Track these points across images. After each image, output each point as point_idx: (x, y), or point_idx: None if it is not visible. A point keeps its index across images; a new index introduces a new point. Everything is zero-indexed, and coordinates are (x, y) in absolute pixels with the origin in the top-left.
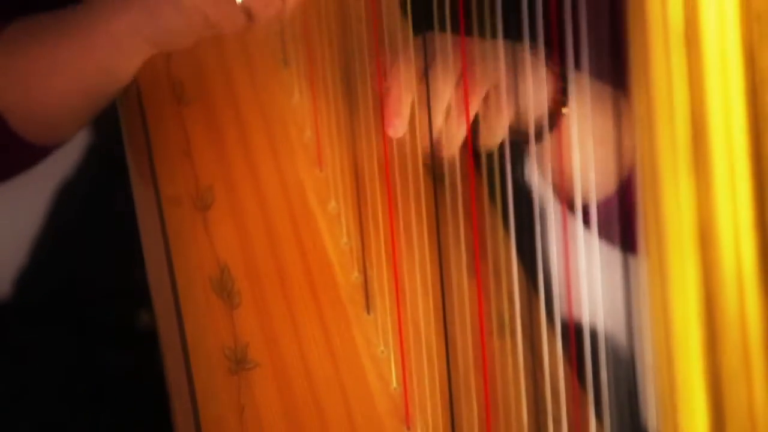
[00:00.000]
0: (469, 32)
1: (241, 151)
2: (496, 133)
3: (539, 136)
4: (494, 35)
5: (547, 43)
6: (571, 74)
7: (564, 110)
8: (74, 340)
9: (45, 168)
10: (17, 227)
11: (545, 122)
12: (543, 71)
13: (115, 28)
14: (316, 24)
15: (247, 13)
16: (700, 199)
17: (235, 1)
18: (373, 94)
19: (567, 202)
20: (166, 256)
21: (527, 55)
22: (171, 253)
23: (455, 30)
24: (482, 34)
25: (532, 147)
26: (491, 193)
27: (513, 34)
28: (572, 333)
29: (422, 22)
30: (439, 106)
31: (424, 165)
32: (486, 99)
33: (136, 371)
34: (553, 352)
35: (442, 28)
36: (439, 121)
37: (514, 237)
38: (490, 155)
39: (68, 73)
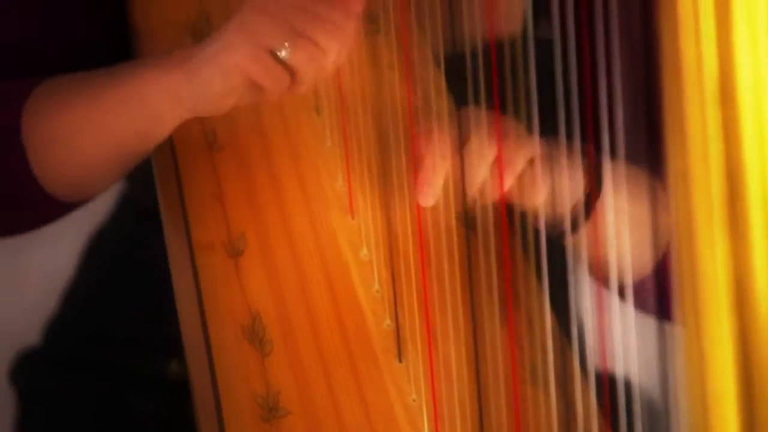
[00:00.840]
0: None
1: (273, 198)
2: (529, 210)
3: (575, 225)
4: (530, 117)
5: (583, 128)
6: (606, 163)
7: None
8: (104, 388)
9: (77, 216)
10: (49, 274)
11: (580, 211)
12: (577, 161)
13: (151, 94)
14: (348, 71)
15: (291, 71)
16: (736, 259)
17: (277, 57)
18: (405, 143)
19: (603, 281)
20: (198, 302)
21: (562, 144)
22: (203, 299)
23: (489, 105)
24: (517, 113)
25: (568, 236)
26: (524, 243)
27: (548, 116)
28: (606, 385)
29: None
30: (474, 179)
31: (457, 215)
32: (521, 176)
33: (167, 419)
34: (586, 403)
35: (477, 100)
36: (473, 192)
37: (546, 287)
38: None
39: (101, 138)
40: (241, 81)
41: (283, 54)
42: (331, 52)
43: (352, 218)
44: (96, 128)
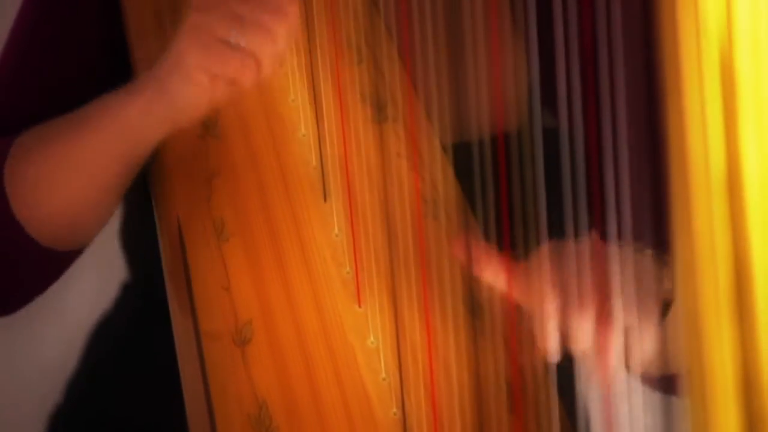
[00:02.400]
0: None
1: (280, 286)
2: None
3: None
4: (536, 207)
5: (590, 218)
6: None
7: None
8: None
9: (82, 303)
10: (53, 363)
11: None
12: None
13: (128, 117)
14: (356, 159)
15: (253, 56)
16: (744, 349)
17: (236, 46)
18: (413, 230)
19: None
20: (204, 391)
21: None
22: (209, 388)
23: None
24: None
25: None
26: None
27: (555, 206)
28: None
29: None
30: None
31: (464, 302)
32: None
33: None
34: None
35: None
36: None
37: (554, 377)
38: None
39: (84, 171)
40: (206, 79)
41: (234, 40)
42: (279, 36)
43: (359, 306)
44: (78, 163)
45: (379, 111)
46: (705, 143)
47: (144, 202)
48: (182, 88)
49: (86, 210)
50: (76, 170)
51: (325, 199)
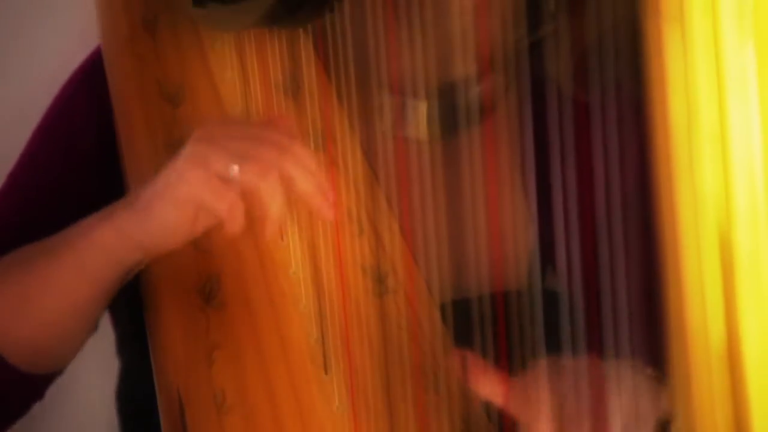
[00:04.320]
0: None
1: None
2: None
3: None
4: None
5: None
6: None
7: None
8: None
9: None
10: None
11: None
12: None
13: (101, 238)
14: (356, 332)
15: (245, 192)
16: None
17: (229, 181)
18: (413, 403)
19: None
20: None
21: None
22: None
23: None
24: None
25: None
26: None
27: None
28: None
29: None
30: None
31: None
32: None
33: None
34: None
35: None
36: None
37: None
38: None
39: (59, 292)
40: (193, 210)
41: (232, 174)
42: (283, 169)
43: None
44: (53, 283)
45: (380, 283)
46: (704, 317)
47: (141, 363)
48: (165, 213)
49: (62, 333)
50: (51, 291)
51: (326, 372)
